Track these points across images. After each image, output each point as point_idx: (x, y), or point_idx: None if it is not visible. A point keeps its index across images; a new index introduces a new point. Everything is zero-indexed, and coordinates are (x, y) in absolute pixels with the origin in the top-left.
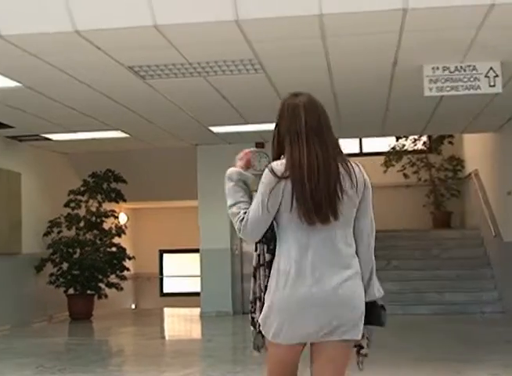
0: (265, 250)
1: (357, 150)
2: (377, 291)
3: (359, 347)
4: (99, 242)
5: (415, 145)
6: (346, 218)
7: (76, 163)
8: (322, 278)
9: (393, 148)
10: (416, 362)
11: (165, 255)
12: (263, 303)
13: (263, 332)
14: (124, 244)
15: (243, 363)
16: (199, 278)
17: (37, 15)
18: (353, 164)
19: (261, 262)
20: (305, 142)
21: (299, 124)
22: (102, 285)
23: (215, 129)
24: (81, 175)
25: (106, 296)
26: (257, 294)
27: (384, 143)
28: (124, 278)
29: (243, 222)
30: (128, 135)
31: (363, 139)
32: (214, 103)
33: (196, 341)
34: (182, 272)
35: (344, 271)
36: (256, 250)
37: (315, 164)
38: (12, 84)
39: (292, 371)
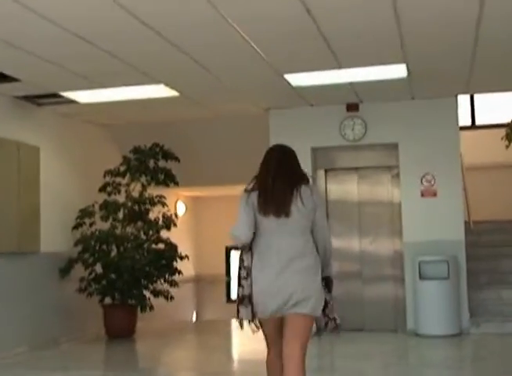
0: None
1: (468, 123)
2: (330, 271)
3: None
4: (143, 237)
5: None
6: (299, 226)
7: (118, 138)
8: (278, 273)
9: None
10: None
11: (234, 253)
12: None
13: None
14: (181, 240)
15: None
16: None
17: None
18: (304, 189)
19: (246, 265)
20: (272, 173)
21: (270, 162)
22: (147, 293)
23: (293, 79)
24: (123, 153)
25: (151, 308)
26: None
27: (503, 114)
28: (174, 284)
29: (232, 229)
30: (175, 93)
31: (476, 111)
32: (295, 28)
33: None
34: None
35: (294, 268)
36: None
37: (274, 181)
38: None
39: (277, 334)
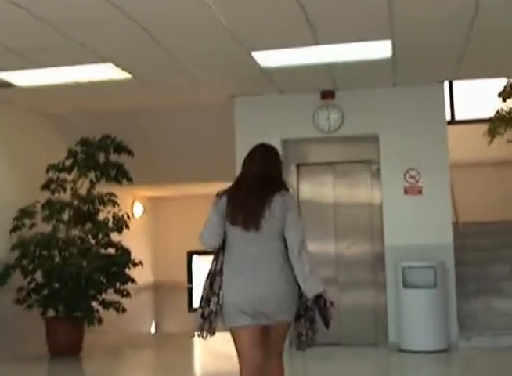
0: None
1: (448, 118)
2: (312, 290)
3: (299, 334)
4: (92, 241)
5: None
6: (269, 235)
7: (63, 129)
8: (249, 281)
9: (498, 112)
10: None
11: (196, 258)
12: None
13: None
14: (139, 245)
15: None
16: None
17: None
18: (277, 198)
19: (218, 269)
20: (249, 182)
21: (250, 167)
22: (95, 304)
23: (262, 59)
24: (69, 146)
25: (100, 321)
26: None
27: (484, 108)
28: (126, 294)
29: (200, 235)
30: (127, 75)
31: (455, 105)
32: None
33: None
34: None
35: (264, 276)
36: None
37: (249, 190)
38: None
39: (251, 344)
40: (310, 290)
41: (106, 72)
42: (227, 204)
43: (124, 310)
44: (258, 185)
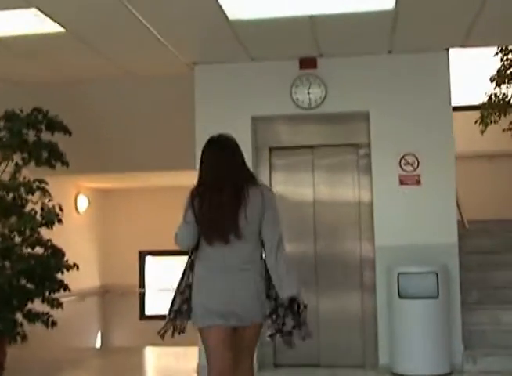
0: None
1: None
2: (286, 293)
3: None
4: (18, 239)
5: None
6: (245, 236)
7: None
8: (223, 282)
9: (490, 98)
10: None
11: (148, 259)
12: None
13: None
14: (83, 243)
15: None
16: None
17: None
18: (252, 196)
19: (189, 266)
20: (210, 185)
21: (208, 169)
22: (20, 316)
23: (230, 8)
24: None
25: (23, 338)
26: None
27: (474, 94)
28: (57, 304)
29: (175, 235)
30: (58, 28)
31: None
32: None
33: None
34: (174, 282)
35: (239, 277)
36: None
37: (219, 204)
38: None
39: (222, 347)
40: (284, 293)
41: (30, 22)
42: (201, 219)
43: (54, 324)
44: (229, 194)
